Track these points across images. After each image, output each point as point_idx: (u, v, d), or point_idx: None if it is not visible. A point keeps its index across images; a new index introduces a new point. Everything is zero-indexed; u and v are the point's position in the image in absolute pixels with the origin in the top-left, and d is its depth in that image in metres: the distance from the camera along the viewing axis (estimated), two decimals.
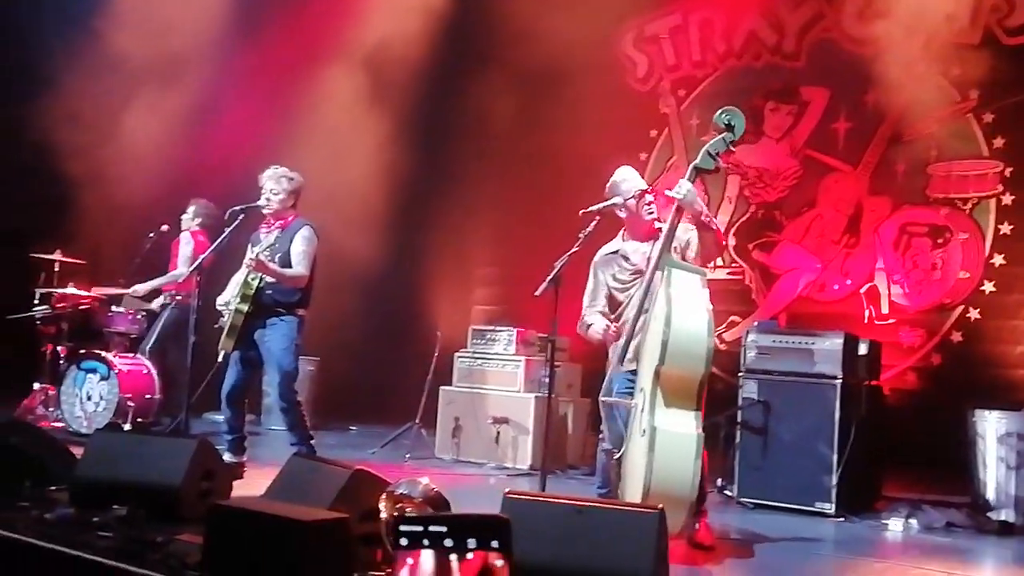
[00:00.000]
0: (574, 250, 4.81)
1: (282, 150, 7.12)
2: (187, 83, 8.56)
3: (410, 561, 2.19)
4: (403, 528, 2.25)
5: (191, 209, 7.95)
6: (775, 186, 8.74)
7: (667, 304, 4.24)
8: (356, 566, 3.21)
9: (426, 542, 2.24)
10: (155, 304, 7.79)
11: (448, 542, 2.22)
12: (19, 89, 8.60)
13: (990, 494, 6.02)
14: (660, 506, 3.31)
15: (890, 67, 7.94)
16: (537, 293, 4.76)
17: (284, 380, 5.86)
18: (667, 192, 4.65)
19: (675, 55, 9.46)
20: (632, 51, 9.68)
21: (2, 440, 4.49)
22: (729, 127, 4.54)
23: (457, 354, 7.95)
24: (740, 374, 6.38)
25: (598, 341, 4.92)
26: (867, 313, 8.09)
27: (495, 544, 2.21)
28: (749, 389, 6.30)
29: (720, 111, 4.60)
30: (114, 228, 8.24)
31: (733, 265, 8.81)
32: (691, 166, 4.62)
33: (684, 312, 4.24)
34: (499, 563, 2.18)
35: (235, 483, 4.89)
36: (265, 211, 6.02)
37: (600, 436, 5.05)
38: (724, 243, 4.76)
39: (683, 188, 4.54)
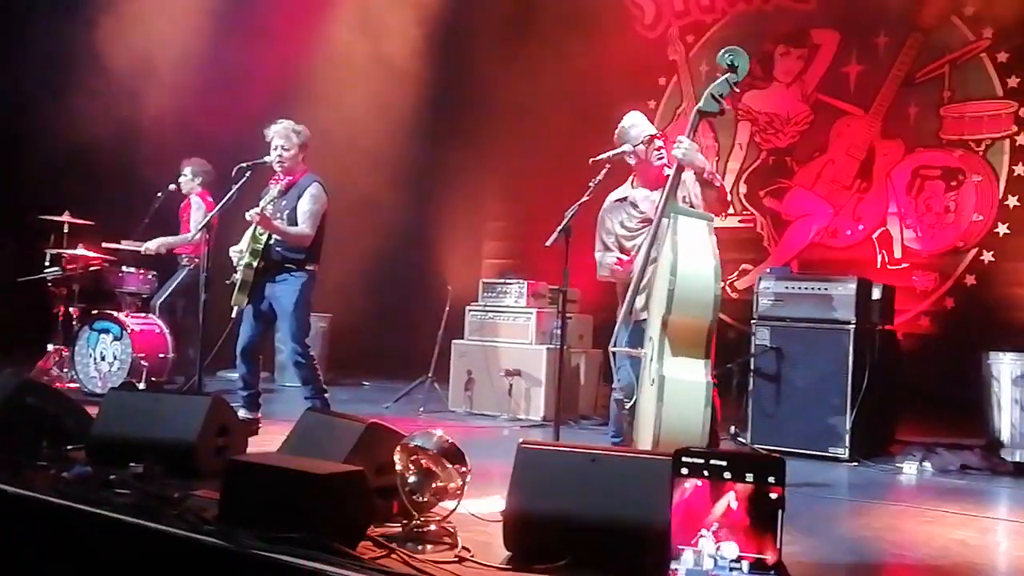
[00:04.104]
0: (584, 199, 4.76)
1: (287, 104, 7.06)
2: (191, 40, 8.47)
3: (687, 487, 2.67)
4: (685, 459, 2.68)
5: (188, 170, 7.84)
6: (786, 132, 8.65)
7: (673, 252, 4.19)
8: (373, 518, 3.23)
9: (706, 473, 2.66)
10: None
11: (727, 475, 2.64)
12: (20, 54, 8.54)
13: (1004, 436, 6.03)
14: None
15: (901, 7, 7.83)
16: (548, 243, 4.72)
17: (296, 335, 5.86)
18: (671, 152, 4.56)
19: (683, 0, 9.31)
20: None
21: (18, 401, 4.51)
22: (732, 67, 4.42)
23: (468, 308, 7.96)
24: (752, 321, 6.35)
25: (615, 278, 4.89)
26: (880, 258, 8.05)
27: (772, 480, 2.63)
28: (762, 336, 6.29)
29: (723, 51, 4.48)
30: (121, 188, 8.20)
31: (744, 212, 8.75)
32: (695, 110, 4.52)
33: (690, 260, 4.19)
34: (774, 495, 2.61)
35: (250, 439, 4.92)
36: (276, 167, 5.97)
37: (614, 386, 5.05)
38: (728, 199, 4.69)
39: (682, 146, 4.45)
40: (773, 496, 2.59)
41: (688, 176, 4.68)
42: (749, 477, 2.61)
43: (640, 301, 4.63)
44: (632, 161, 4.93)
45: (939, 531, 4.17)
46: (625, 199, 4.99)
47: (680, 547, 2.62)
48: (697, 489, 2.62)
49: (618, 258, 4.82)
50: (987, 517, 4.68)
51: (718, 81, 4.47)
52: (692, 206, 4.69)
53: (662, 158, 4.88)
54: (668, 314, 4.15)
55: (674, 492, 2.64)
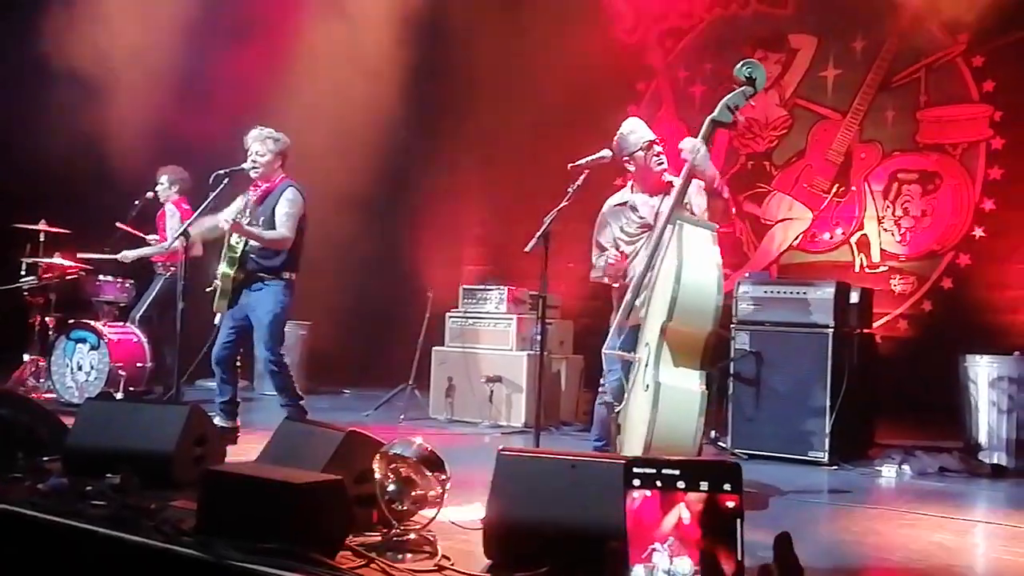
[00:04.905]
0: (563, 205, 4.75)
1: (265, 109, 7.02)
2: (167, 46, 8.42)
3: (636, 497, 2.49)
4: (636, 470, 2.51)
5: (164, 178, 7.73)
6: (764, 136, 8.69)
7: (677, 260, 4.20)
8: (352, 527, 3.21)
9: (658, 483, 2.49)
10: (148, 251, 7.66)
11: (680, 484, 2.47)
12: None
13: (982, 438, 6.07)
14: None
15: (878, 12, 7.89)
16: (527, 249, 4.71)
17: (270, 344, 5.82)
18: (680, 149, 4.54)
19: (662, 5, 9.34)
20: (619, 1, 9.55)
21: None
22: (750, 80, 4.43)
23: (448, 314, 7.94)
24: (732, 325, 6.37)
25: (606, 277, 4.89)
26: (858, 261, 8.09)
27: (727, 487, 2.45)
28: (741, 340, 6.31)
29: (741, 63, 4.47)
30: (99, 196, 8.13)
31: None
32: (708, 120, 4.49)
33: (694, 268, 4.20)
34: (731, 504, 2.43)
35: (228, 448, 4.89)
36: (252, 174, 5.93)
37: (600, 389, 5.05)
38: (733, 211, 4.71)
39: (699, 151, 4.43)
40: (730, 504, 2.42)
41: (693, 190, 4.68)
42: (704, 485, 2.44)
43: (637, 306, 4.62)
44: (631, 168, 4.96)
45: (918, 534, 4.19)
46: (625, 203, 5.01)
47: (630, 564, 2.46)
48: (647, 500, 2.45)
49: (617, 255, 4.81)
50: (965, 519, 4.70)
51: (734, 93, 4.47)
52: (692, 214, 4.71)
53: (662, 163, 4.90)
54: (668, 321, 4.16)
55: (624, 504, 2.45)
